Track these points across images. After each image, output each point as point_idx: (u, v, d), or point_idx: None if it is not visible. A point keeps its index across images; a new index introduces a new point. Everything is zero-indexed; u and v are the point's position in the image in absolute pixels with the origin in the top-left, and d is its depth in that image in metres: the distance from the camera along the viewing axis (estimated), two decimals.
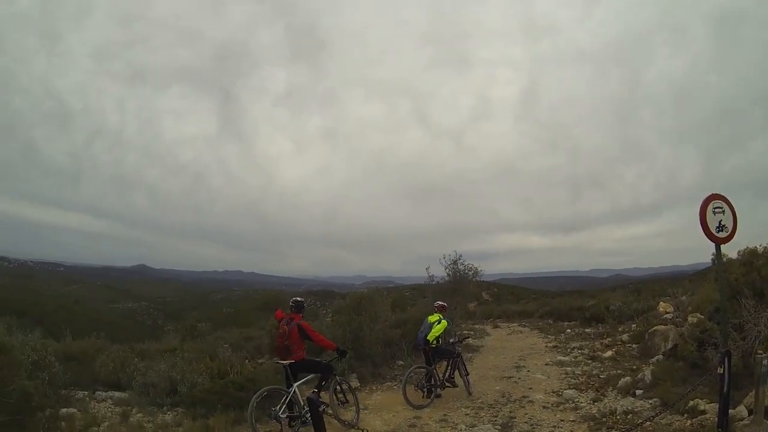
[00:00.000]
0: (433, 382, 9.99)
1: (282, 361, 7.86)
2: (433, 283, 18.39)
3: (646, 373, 9.66)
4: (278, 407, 7.51)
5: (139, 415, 8.81)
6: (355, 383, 10.73)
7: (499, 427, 7.96)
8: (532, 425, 7.96)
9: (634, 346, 14.03)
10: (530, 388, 10.60)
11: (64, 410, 8.13)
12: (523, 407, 9.10)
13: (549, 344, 17.35)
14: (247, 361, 12.72)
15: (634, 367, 11.27)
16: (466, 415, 8.90)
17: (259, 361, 13.18)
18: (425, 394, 9.91)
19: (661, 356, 11.02)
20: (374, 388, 11.40)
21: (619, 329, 17.72)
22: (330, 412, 7.83)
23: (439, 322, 10.26)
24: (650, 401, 8.35)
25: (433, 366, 10.18)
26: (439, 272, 18.30)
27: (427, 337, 10.14)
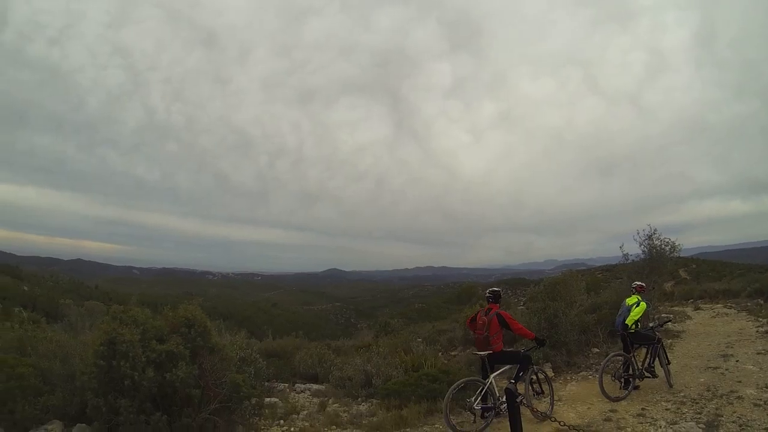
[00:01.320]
0: (630, 372, 9.34)
1: (480, 353, 7.96)
2: (628, 262, 17.06)
3: None
4: (473, 398, 7.65)
5: (335, 405, 9.80)
6: (549, 373, 10.38)
7: (704, 426, 7.13)
8: (741, 426, 7.02)
9: None
10: (739, 382, 9.34)
11: (267, 399, 9.40)
12: (731, 404, 8.08)
13: (760, 329, 14.90)
14: (440, 353, 13.17)
15: None
16: (667, 410, 8.13)
17: (452, 353, 13.53)
18: (622, 384, 9.28)
19: None
20: (569, 378, 10.96)
21: None
22: (525, 402, 7.72)
23: (638, 305, 9.53)
24: None
25: (631, 354, 9.51)
26: (633, 250, 16.93)
27: (626, 322, 9.51)
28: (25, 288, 73.01)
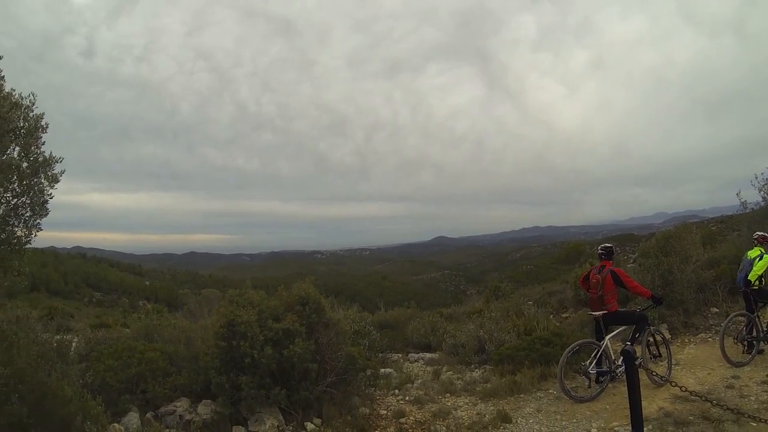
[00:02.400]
0: (754, 334, 8.52)
1: (594, 313, 7.78)
2: (747, 211, 15.49)
3: None
4: (588, 362, 7.51)
5: (449, 373, 10.01)
6: (666, 334, 9.74)
7: None
8: None
9: None
10: None
11: (382, 370, 9.78)
12: None
13: None
14: (551, 316, 13.10)
15: None
16: None
17: (564, 315, 13.39)
18: (745, 348, 8.53)
19: None
20: (686, 340, 10.25)
21: None
22: (643, 365, 7.54)
23: (761, 258, 8.55)
24: None
25: (755, 313, 8.62)
26: (752, 197, 15.26)
27: (748, 277, 8.58)
28: (147, 283, 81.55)
